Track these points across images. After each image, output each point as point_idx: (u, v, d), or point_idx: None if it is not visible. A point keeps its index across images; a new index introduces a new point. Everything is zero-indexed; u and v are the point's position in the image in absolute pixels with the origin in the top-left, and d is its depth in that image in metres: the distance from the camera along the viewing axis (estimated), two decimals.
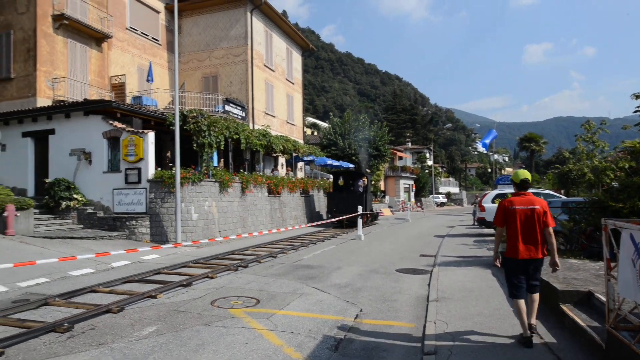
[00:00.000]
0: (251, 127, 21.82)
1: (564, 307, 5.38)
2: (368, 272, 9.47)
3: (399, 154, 58.49)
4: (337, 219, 18.72)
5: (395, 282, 8.47)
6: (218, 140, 15.83)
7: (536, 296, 4.87)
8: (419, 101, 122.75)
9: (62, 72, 18.36)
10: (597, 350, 4.24)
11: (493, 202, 15.94)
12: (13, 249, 10.58)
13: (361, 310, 6.47)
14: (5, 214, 12.21)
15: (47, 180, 14.88)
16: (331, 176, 25.82)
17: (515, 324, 5.31)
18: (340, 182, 23.81)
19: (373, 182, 42.60)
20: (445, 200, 60.03)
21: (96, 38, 19.96)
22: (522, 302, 4.76)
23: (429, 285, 8.04)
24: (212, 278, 8.63)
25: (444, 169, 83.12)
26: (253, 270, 9.71)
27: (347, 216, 18.55)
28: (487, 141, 19.51)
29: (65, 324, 5.47)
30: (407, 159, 63.65)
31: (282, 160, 26.57)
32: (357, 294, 7.47)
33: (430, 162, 66.36)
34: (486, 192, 19.93)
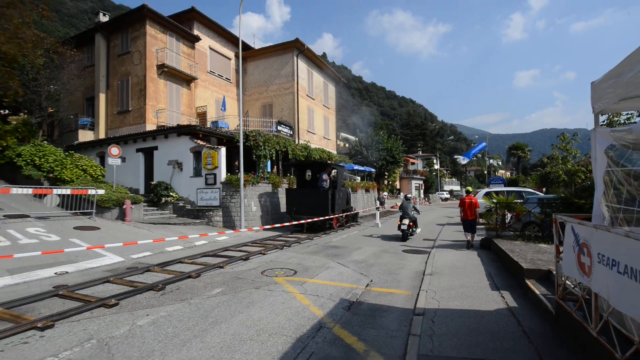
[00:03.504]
0: (296, 142, 22.16)
1: (528, 282, 5.22)
2: (380, 252, 9.45)
3: (411, 160, 57.22)
4: (298, 222, 12.78)
5: (400, 260, 8.41)
6: (271, 152, 16.21)
7: (474, 235, 9.63)
8: (428, 118, 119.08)
9: (163, 105, 19.46)
10: (549, 316, 4.12)
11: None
12: (129, 232, 11.37)
13: (371, 281, 6.51)
14: (124, 206, 13.12)
15: (152, 183, 15.84)
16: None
17: (489, 294, 5.34)
18: (307, 176, 15.02)
19: (390, 182, 41.55)
20: (448, 196, 58.08)
21: (186, 80, 20.99)
22: (467, 233, 9.62)
23: (426, 262, 7.95)
24: (264, 254, 8.93)
25: (448, 171, 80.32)
26: (294, 249, 9.93)
27: (310, 220, 12.84)
28: (473, 152, 17.84)
29: (160, 285, 5.89)
30: (418, 164, 62.15)
31: None
32: (370, 268, 7.50)
33: (436, 166, 64.37)
34: (478, 190, 19.14)
